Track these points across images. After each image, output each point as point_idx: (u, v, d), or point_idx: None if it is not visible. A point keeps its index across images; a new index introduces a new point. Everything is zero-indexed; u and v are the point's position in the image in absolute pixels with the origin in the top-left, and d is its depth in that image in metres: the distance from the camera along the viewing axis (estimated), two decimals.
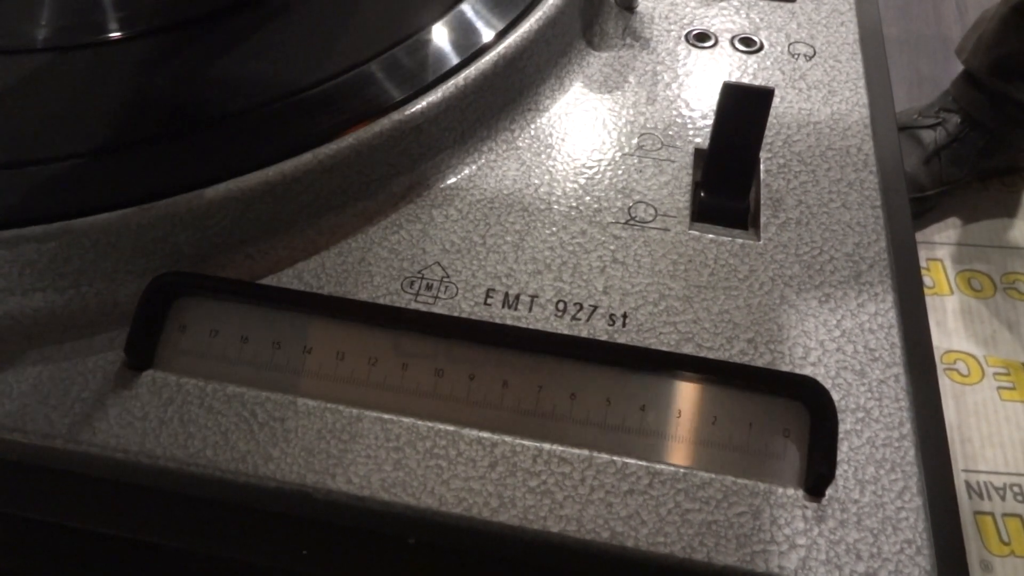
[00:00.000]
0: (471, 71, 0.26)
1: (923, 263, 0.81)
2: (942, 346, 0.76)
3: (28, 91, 0.26)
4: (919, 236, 0.84)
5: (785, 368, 0.21)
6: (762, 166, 0.27)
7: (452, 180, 0.26)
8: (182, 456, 0.20)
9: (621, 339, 0.22)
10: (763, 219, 0.25)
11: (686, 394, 0.20)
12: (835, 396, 0.21)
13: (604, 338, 0.22)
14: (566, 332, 0.22)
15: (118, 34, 0.28)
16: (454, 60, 0.26)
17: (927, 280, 0.80)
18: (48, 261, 0.22)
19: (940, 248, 0.83)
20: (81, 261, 0.22)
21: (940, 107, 0.84)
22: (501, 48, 0.27)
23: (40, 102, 0.26)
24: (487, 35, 0.27)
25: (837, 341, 0.22)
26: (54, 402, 0.21)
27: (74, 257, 0.22)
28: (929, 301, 0.79)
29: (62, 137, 0.24)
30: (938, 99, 0.86)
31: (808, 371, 0.21)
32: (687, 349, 0.22)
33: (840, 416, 0.20)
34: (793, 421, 0.20)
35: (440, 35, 0.28)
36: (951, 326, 0.78)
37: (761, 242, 0.25)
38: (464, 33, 0.28)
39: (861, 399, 0.21)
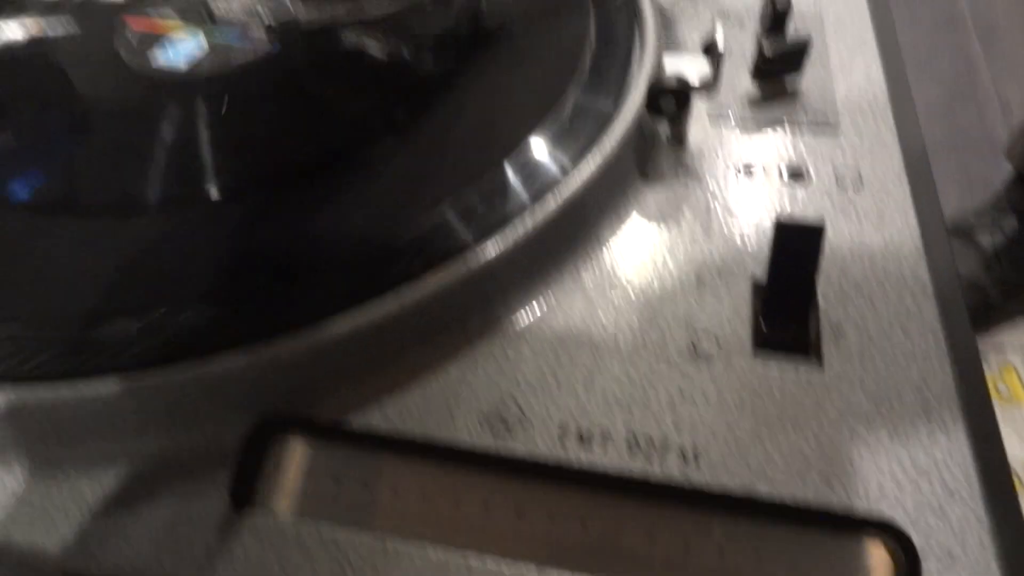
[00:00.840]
0: (538, 213, 0.28)
1: (995, 369, 0.79)
2: None
3: (134, 248, 0.29)
4: (988, 341, 0.81)
5: (861, 506, 0.22)
6: (819, 295, 0.28)
7: (523, 318, 0.28)
8: None
9: (695, 477, 0.23)
10: (825, 349, 0.26)
11: (766, 537, 0.21)
12: (916, 538, 0.21)
13: (677, 475, 0.23)
14: (640, 470, 0.23)
15: (218, 196, 0.31)
16: (523, 202, 0.29)
17: (1001, 388, 0.78)
18: (161, 405, 0.24)
19: (1012, 352, 0.81)
20: (189, 405, 0.24)
21: (995, 210, 0.83)
22: (564, 190, 0.29)
23: (148, 258, 0.29)
24: (552, 176, 0.30)
25: (912, 478, 0.22)
26: (163, 543, 0.22)
27: (184, 402, 0.24)
28: (1006, 411, 0.76)
29: (170, 290, 0.27)
30: (992, 201, 0.85)
31: (885, 510, 0.22)
32: (761, 487, 0.22)
33: (923, 560, 0.20)
34: (874, 566, 0.20)
35: (508, 179, 0.30)
36: None
37: (826, 374, 0.25)
38: (531, 175, 0.30)
39: (944, 541, 0.21)
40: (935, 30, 1.25)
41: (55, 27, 0.43)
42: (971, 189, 0.97)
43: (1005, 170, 0.86)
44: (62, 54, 0.40)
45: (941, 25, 1.26)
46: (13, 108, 0.37)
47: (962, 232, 0.83)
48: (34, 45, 0.42)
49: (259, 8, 0.42)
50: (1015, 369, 0.79)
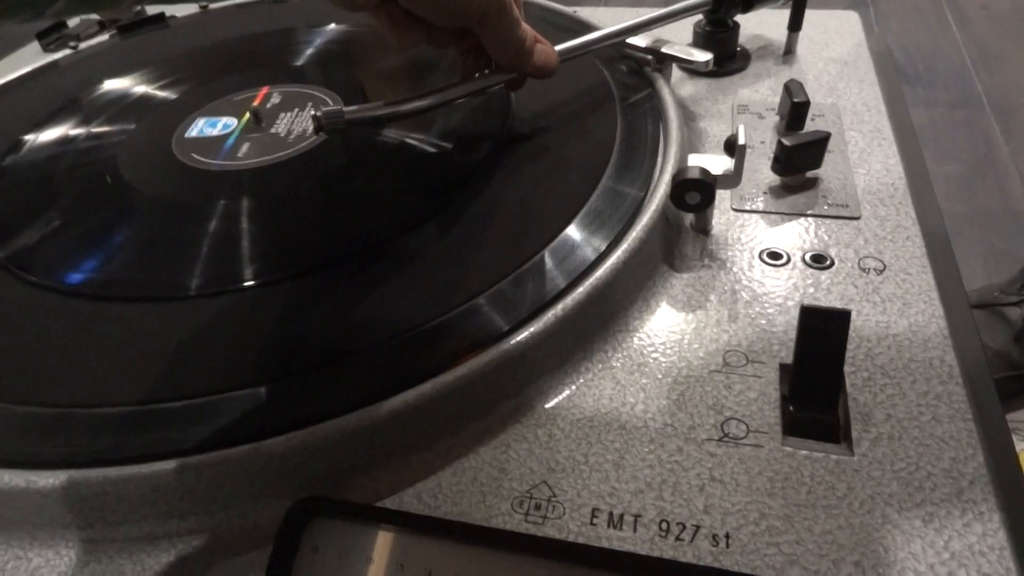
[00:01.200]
0: (568, 301, 0.29)
1: None
2: None
3: (180, 335, 0.30)
4: (1022, 414, 0.80)
5: None
6: (847, 380, 0.28)
7: (554, 401, 0.28)
8: None
9: (726, 561, 0.23)
10: (855, 434, 0.26)
11: None
12: None
13: (709, 560, 0.23)
14: (671, 553, 0.23)
15: (251, 282, 0.33)
16: (553, 290, 0.30)
17: None
18: (205, 487, 0.25)
19: None
20: (232, 486, 0.25)
21: (1021, 283, 0.83)
22: (593, 278, 0.30)
23: (193, 345, 0.30)
24: (580, 265, 0.31)
25: (948, 564, 0.22)
26: None
27: (227, 483, 0.25)
28: None
29: (214, 376, 0.28)
30: (1019, 275, 0.85)
31: None
32: (793, 573, 0.22)
33: None
34: None
35: (539, 268, 0.31)
36: None
37: (856, 458, 0.25)
38: (561, 264, 0.31)
39: None
40: (951, 109, 1.27)
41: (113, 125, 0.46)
42: (996, 263, 0.96)
43: None
44: (117, 148, 0.43)
45: (957, 105, 1.28)
46: (70, 198, 0.40)
47: (989, 306, 0.82)
48: (92, 139, 0.45)
49: (306, 105, 0.45)
50: None
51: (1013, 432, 0.78)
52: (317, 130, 0.35)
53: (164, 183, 0.40)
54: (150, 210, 0.38)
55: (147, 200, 0.39)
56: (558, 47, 0.38)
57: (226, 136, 0.43)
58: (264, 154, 0.41)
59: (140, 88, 0.51)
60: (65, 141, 0.46)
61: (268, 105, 0.46)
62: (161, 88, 0.50)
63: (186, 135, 0.44)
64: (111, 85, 0.52)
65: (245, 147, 0.42)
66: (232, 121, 0.44)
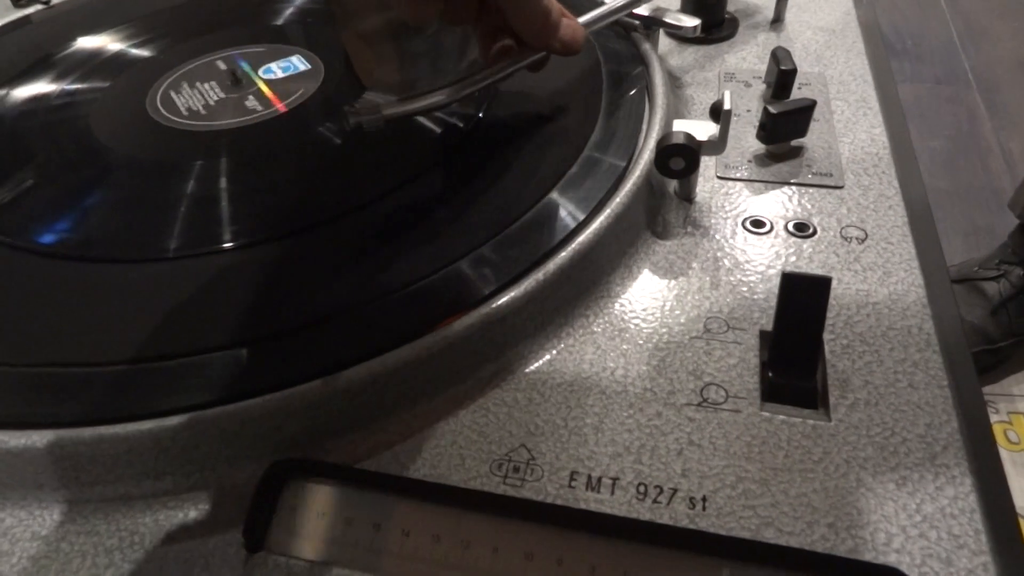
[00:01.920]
0: (550, 266, 0.29)
1: (1005, 417, 0.78)
2: None
3: (157, 296, 0.30)
4: (997, 389, 0.81)
5: (868, 555, 0.22)
6: (826, 347, 0.28)
7: (534, 365, 0.28)
8: None
9: (702, 523, 0.23)
10: (832, 400, 0.26)
11: None
12: None
13: (686, 522, 0.23)
14: (648, 515, 0.23)
15: (231, 243, 0.32)
16: (535, 255, 0.30)
17: (1011, 436, 0.77)
18: (180, 448, 0.25)
19: (1021, 400, 0.80)
20: (207, 448, 0.25)
21: (1000, 259, 0.84)
22: (575, 244, 0.30)
23: (170, 305, 0.30)
24: (563, 231, 0.31)
25: (919, 527, 0.22)
26: None
27: (202, 444, 0.25)
28: (1017, 458, 0.75)
29: (191, 336, 0.28)
30: (997, 251, 0.86)
31: (892, 559, 0.22)
32: (768, 534, 0.23)
33: None
34: None
35: (522, 232, 0.31)
36: None
37: (832, 423, 0.26)
38: (543, 229, 0.31)
39: None
40: (938, 85, 1.27)
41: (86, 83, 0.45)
42: (976, 239, 0.97)
43: (1009, 220, 0.87)
44: (91, 106, 0.42)
45: (943, 80, 1.29)
46: (43, 159, 0.39)
47: (968, 281, 0.83)
48: (65, 97, 0.44)
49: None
50: None
51: (988, 405, 0.80)
52: (356, 129, 0.32)
53: (139, 142, 0.39)
54: (125, 170, 0.37)
55: (122, 159, 0.38)
56: (580, 19, 0.36)
57: (204, 95, 0.42)
58: (242, 115, 0.40)
59: (115, 45, 0.49)
60: (38, 99, 0.44)
61: (247, 65, 0.44)
62: (137, 46, 0.49)
63: (162, 93, 0.43)
64: (85, 42, 0.50)
65: (223, 107, 0.41)
66: (210, 80, 0.43)
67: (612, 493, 0.24)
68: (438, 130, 0.38)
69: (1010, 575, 0.21)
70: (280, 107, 0.40)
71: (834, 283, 0.31)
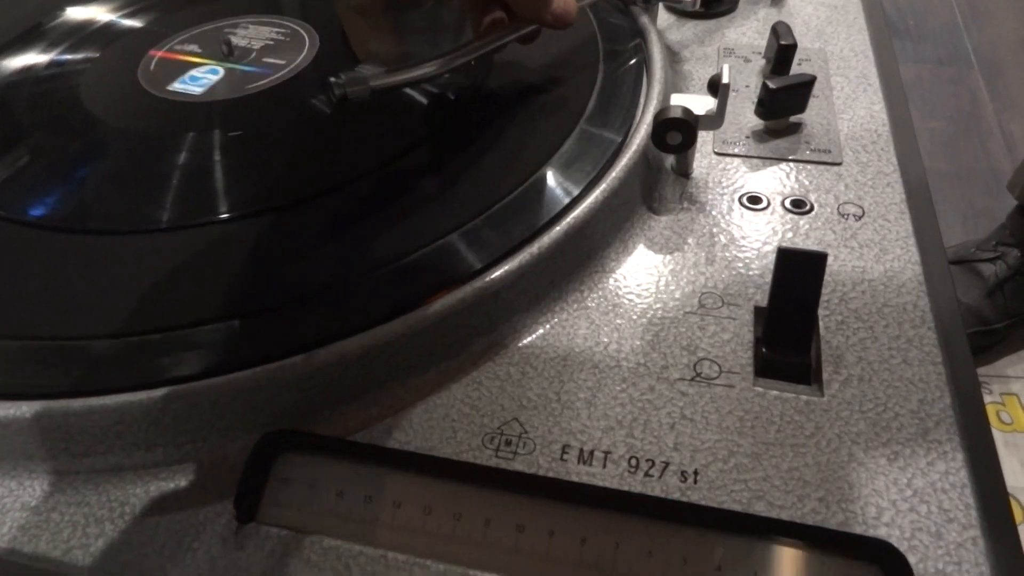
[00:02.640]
0: (544, 240, 0.29)
1: (998, 398, 0.79)
2: None
3: (147, 269, 0.30)
4: (991, 370, 0.81)
5: (858, 529, 0.22)
6: (821, 323, 0.28)
7: (527, 339, 0.28)
8: None
9: (694, 496, 0.23)
10: (825, 375, 0.26)
11: (763, 555, 0.21)
12: (912, 559, 0.21)
13: (677, 495, 0.23)
14: (640, 488, 0.23)
15: (223, 216, 0.32)
16: (528, 230, 0.29)
17: (1004, 417, 0.77)
18: (171, 419, 0.24)
19: (1015, 382, 0.81)
20: (199, 419, 0.25)
21: (998, 241, 0.84)
22: (570, 218, 0.30)
23: (161, 278, 0.29)
24: (558, 205, 0.30)
25: (909, 501, 0.22)
26: (168, 553, 0.23)
27: (193, 416, 0.25)
28: (1009, 439, 0.76)
29: (182, 309, 0.28)
30: (995, 232, 0.86)
31: (882, 532, 0.22)
32: (759, 507, 0.23)
33: None
34: None
35: (516, 207, 0.31)
36: None
37: (825, 398, 0.26)
38: (538, 203, 0.31)
39: (939, 563, 0.21)
40: (940, 66, 1.26)
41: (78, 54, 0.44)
42: (975, 221, 0.97)
43: (1008, 202, 0.87)
44: (82, 79, 0.42)
45: (946, 62, 1.27)
46: (32, 130, 0.38)
47: (965, 262, 0.83)
48: (54, 67, 0.43)
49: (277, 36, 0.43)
50: (1018, 398, 0.79)
51: (982, 386, 0.80)
52: (341, 100, 0.31)
53: (131, 114, 0.39)
54: (115, 141, 0.37)
55: (112, 131, 0.37)
56: None
57: (196, 67, 0.41)
58: (235, 87, 0.39)
59: (106, 16, 0.49)
60: (27, 69, 0.44)
61: (240, 36, 0.44)
62: (128, 16, 0.48)
63: (154, 63, 0.42)
64: (75, 13, 0.49)
65: (215, 79, 0.40)
66: (203, 51, 0.43)
67: (604, 466, 0.24)
68: (432, 104, 0.38)
69: (999, 549, 0.21)
70: (273, 79, 0.40)
71: (830, 260, 0.30)
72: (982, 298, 0.81)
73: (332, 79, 0.31)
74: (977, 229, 0.92)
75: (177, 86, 0.40)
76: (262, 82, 0.40)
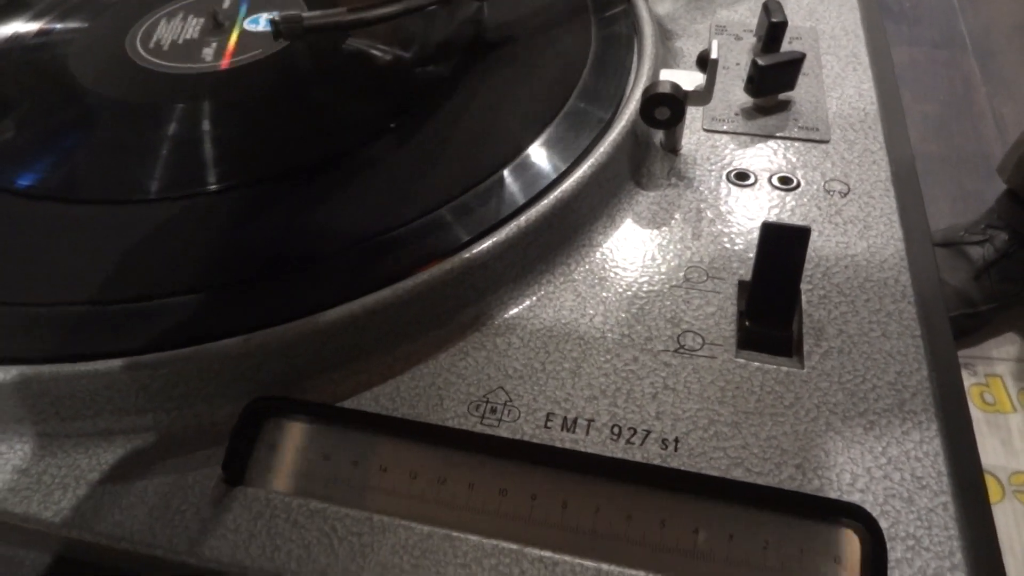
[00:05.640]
0: (531, 213, 0.29)
1: (982, 379, 0.80)
2: (1009, 467, 0.73)
3: (138, 235, 0.30)
4: (977, 351, 0.82)
5: (833, 494, 0.22)
6: (803, 297, 0.29)
7: (514, 311, 0.29)
8: (269, 568, 0.22)
9: (674, 463, 0.24)
10: (806, 348, 0.27)
11: (738, 519, 0.21)
12: (884, 524, 0.21)
13: (657, 462, 0.24)
14: (621, 456, 0.24)
15: (218, 187, 0.32)
16: (516, 203, 0.30)
17: (988, 397, 0.79)
18: (160, 385, 0.25)
19: (999, 364, 0.82)
20: (187, 386, 0.25)
21: (986, 224, 0.85)
22: (558, 192, 0.30)
23: (152, 245, 0.30)
24: (546, 179, 0.31)
25: (884, 468, 0.23)
26: (157, 514, 0.23)
27: (181, 382, 0.25)
28: (991, 419, 0.77)
29: (173, 276, 0.28)
30: (984, 216, 0.87)
31: (856, 498, 0.22)
32: (737, 474, 0.23)
33: (890, 544, 0.21)
34: (843, 548, 0.21)
35: (505, 179, 0.31)
36: (1018, 445, 0.75)
37: (805, 370, 0.26)
38: (526, 176, 0.31)
39: (910, 527, 0.22)
40: (934, 49, 1.26)
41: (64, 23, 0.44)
42: (965, 204, 0.98)
43: (999, 186, 0.88)
44: (69, 48, 0.41)
45: (940, 44, 1.27)
46: (19, 100, 0.38)
47: (954, 245, 0.84)
48: (41, 37, 0.43)
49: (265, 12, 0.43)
50: (1002, 381, 0.80)
51: (966, 367, 0.81)
52: (276, 35, 0.34)
53: (118, 84, 0.38)
54: (103, 111, 0.37)
55: (100, 101, 0.37)
56: None
57: (183, 38, 0.41)
58: (221, 59, 0.39)
59: None
60: (14, 38, 0.43)
61: (229, 7, 0.44)
62: None
63: (142, 34, 0.42)
64: None
65: (203, 50, 0.40)
66: (192, 22, 0.42)
67: (587, 433, 0.25)
68: (419, 76, 0.38)
69: (968, 514, 0.22)
70: (262, 51, 0.40)
71: (815, 235, 0.31)
72: (969, 280, 0.81)
73: (271, 16, 0.33)
74: (967, 212, 0.93)
75: (164, 57, 0.40)
76: (248, 55, 0.40)
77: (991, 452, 0.72)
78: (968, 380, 0.79)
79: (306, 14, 0.34)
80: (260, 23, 0.42)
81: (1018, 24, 1.29)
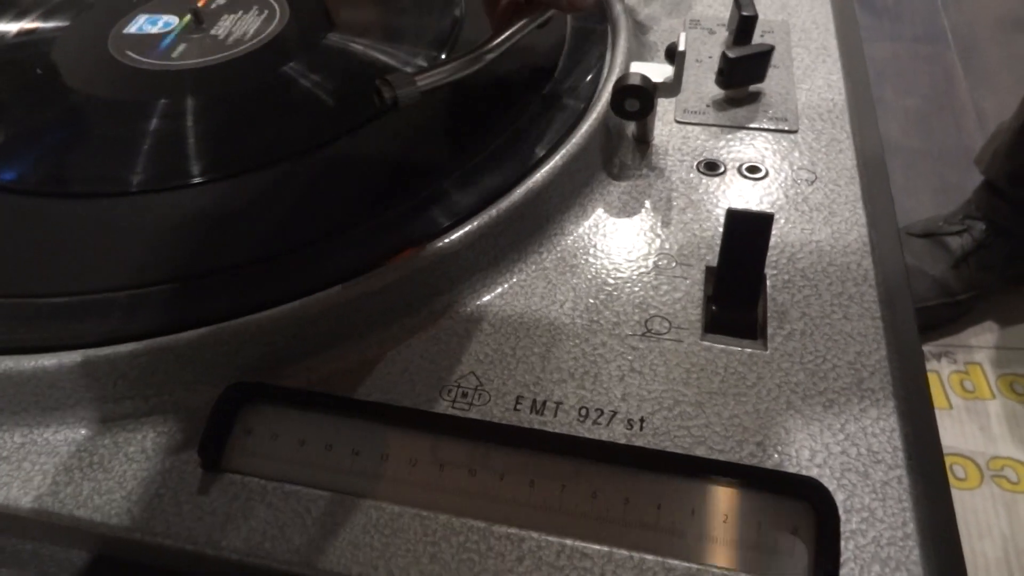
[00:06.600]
0: (503, 203, 0.30)
1: (962, 367, 0.81)
2: (988, 452, 0.74)
3: (115, 226, 0.30)
4: (956, 340, 0.83)
5: (792, 470, 0.23)
6: (768, 282, 0.29)
7: (486, 298, 0.29)
8: (243, 548, 0.22)
9: (639, 442, 0.24)
10: (770, 330, 0.28)
11: (700, 494, 0.22)
12: (840, 497, 0.22)
13: (623, 442, 0.24)
14: (588, 436, 0.24)
15: (197, 179, 0.33)
16: (490, 191, 0.30)
17: (967, 385, 0.80)
18: (138, 373, 0.25)
19: (978, 352, 0.83)
20: (165, 373, 0.26)
21: (964, 214, 0.86)
22: (530, 182, 0.31)
23: (128, 236, 0.30)
24: (519, 170, 0.31)
25: (841, 444, 0.24)
26: (135, 498, 0.24)
27: (159, 370, 0.25)
28: (971, 406, 0.78)
29: (149, 266, 0.28)
30: (962, 207, 0.88)
31: (814, 472, 0.23)
32: (700, 452, 0.24)
33: (845, 516, 0.22)
34: (801, 520, 0.22)
35: (478, 170, 0.31)
36: (996, 431, 0.76)
37: (768, 352, 0.27)
38: (498, 168, 0.32)
39: (865, 500, 0.22)
40: (916, 44, 1.27)
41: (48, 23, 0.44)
42: (946, 197, 0.99)
43: (979, 178, 0.89)
44: (52, 47, 0.42)
45: (922, 39, 1.29)
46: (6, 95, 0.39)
47: (933, 235, 0.85)
48: (24, 36, 0.43)
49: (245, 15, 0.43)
50: (981, 368, 0.81)
51: (946, 355, 0.82)
52: (391, 103, 0.29)
53: (97, 80, 0.39)
54: (83, 108, 0.37)
55: (80, 97, 0.38)
56: None
57: (164, 35, 0.42)
58: (202, 56, 0.40)
59: None
60: None
61: (211, 6, 0.44)
62: None
63: (124, 32, 0.42)
64: None
65: (183, 48, 0.41)
66: (172, 20, 0.43)
67: (555, 415, 0.25)
68: (396, 63, 0.38)
69: (923, 487, 0.23)
70: (243, 47, 0.40)
71: (780, 222, 0.32)
72: (948, 270, 0.83)
73: (378, 81, 0.29)
74: (949, 204, 0.94)
75: (143, 53, 0.40)
76: (227, 52, 0.40)
77: (970, 438, 0.73)
78: (948, 368, 0.80)
79: (416, 74, 0.30)
80: (236, 12, 0.43)
81: (999, 19, 1.31)
